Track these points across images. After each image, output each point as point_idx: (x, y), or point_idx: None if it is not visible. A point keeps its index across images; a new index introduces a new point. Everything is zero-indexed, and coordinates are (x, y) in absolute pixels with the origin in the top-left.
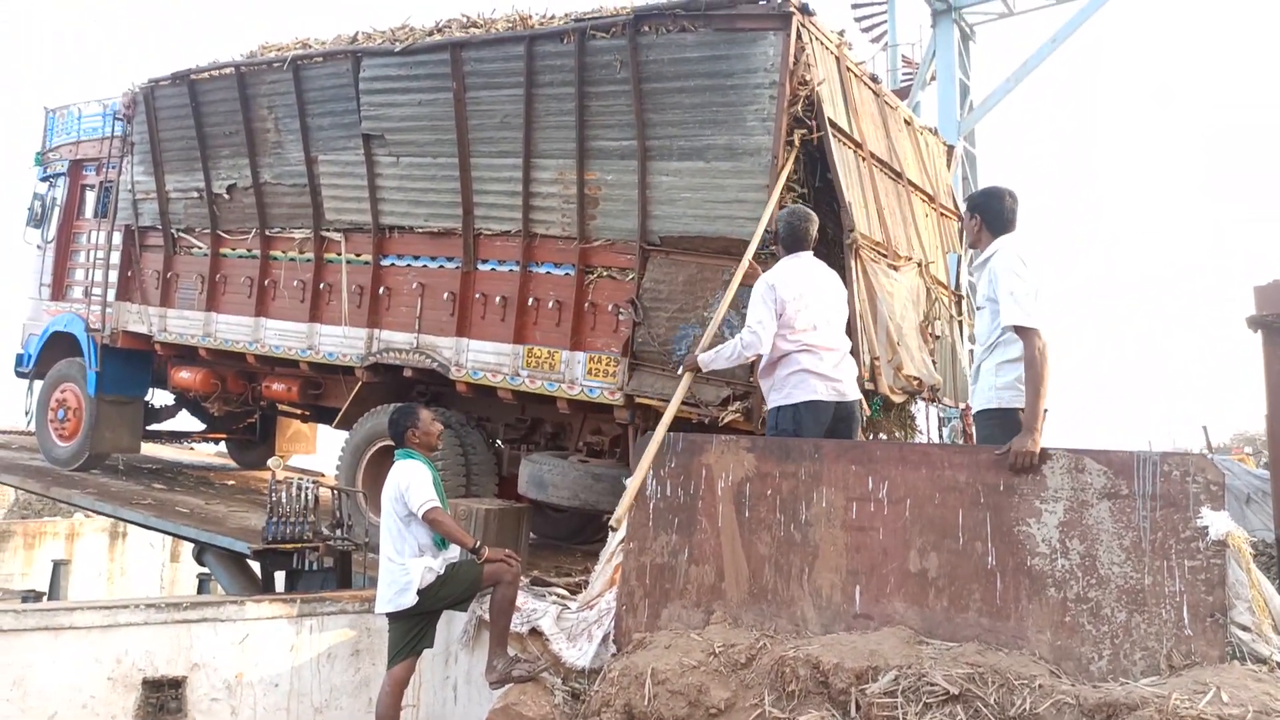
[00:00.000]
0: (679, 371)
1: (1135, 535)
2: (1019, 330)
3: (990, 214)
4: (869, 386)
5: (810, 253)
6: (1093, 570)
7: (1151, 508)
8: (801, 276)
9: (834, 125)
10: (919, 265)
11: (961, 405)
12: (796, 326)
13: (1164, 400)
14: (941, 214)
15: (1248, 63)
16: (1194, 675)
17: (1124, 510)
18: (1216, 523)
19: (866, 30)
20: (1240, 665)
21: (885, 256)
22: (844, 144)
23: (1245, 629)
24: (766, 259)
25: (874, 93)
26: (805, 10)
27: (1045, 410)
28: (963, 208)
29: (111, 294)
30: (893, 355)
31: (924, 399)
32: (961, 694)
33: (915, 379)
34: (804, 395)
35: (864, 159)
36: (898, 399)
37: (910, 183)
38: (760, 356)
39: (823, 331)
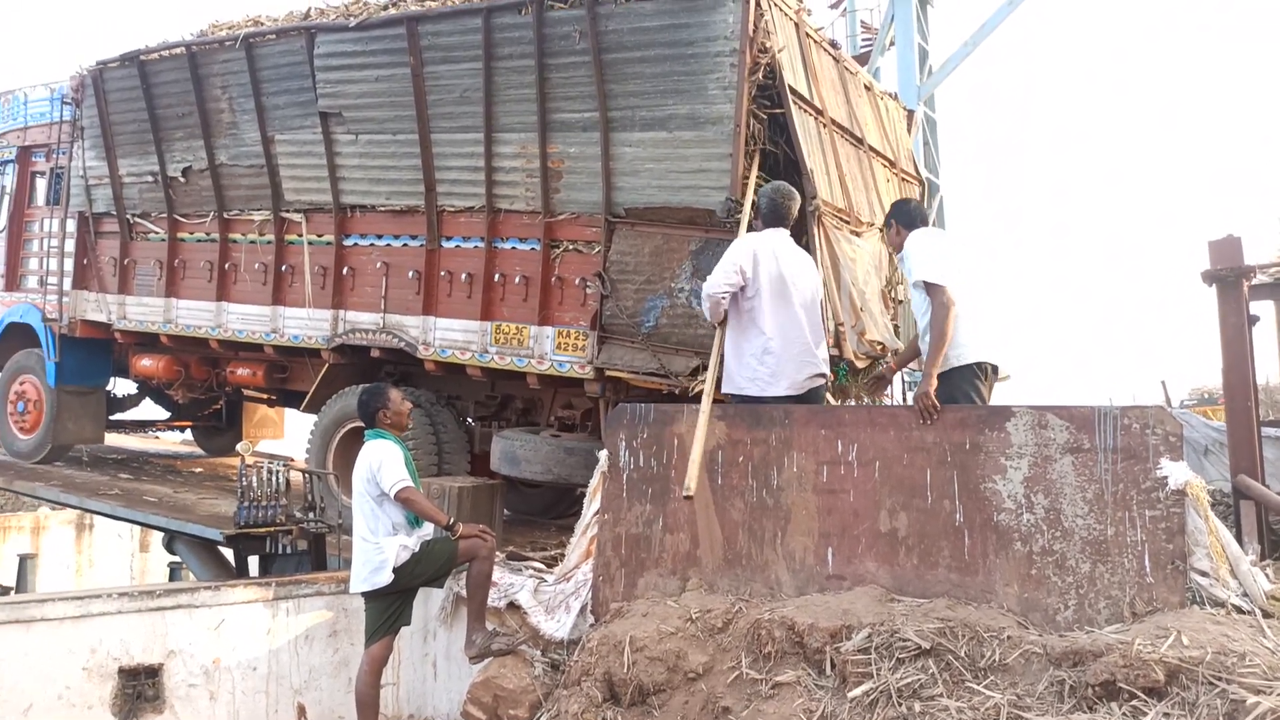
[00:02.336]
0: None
1: (1098, 488)
2: (928, 286)
3: (902, 217)
4: (834, 352)
5: (788, 231)
6: (1057, 523)
7: (1113, 460)
8: (780, 252)
9: (794, 92)
10: (881, 231)
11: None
12: (778, 293)
13: (1125, 357)
14: (903, 179)
15: (1200, 19)
16: (1156, 621)
17: (1086, 464)
18: (1175, 473)
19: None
20: (1200, 609)
21: (848, 223)
22: (805, 111)
23: (1204, 574)
24: (732, 227)
25: (833, 59)
26: None
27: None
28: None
29: (68, 282)
30: (856, 321)
31: (888, 363)
32: (933, 648)
33: (879, 344)
34: (766, 390)
35: (825, 125)
36: (862, 364)
37: (871, 148)
38: (722, 312)
39: (801, 310)
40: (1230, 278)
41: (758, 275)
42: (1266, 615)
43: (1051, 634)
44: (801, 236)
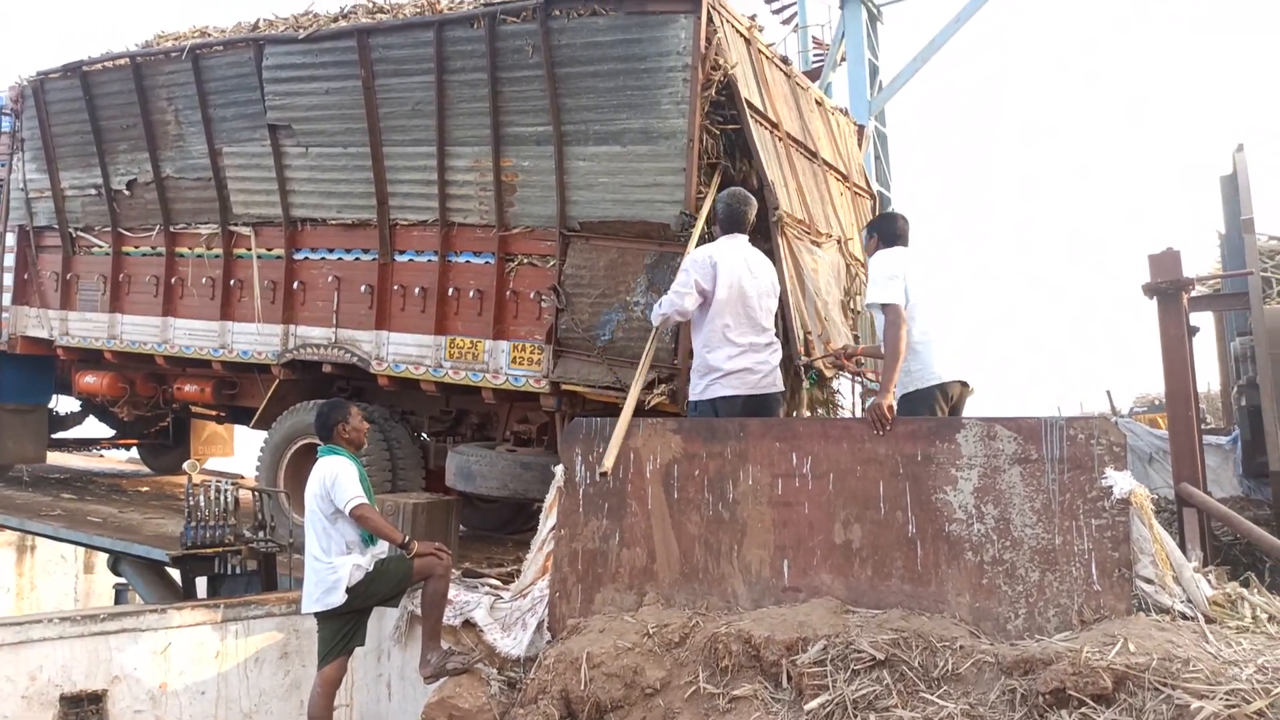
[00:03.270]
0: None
1: (1045, 497)
2: (883, 307)
3: (885, 233)
4: (803, 360)
5: (746, 237)
6: (1007, 533)
7: (1060, 470)
8: (739, 257)
9: (750, 106)
10: (838, 242)
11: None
12: (727, 307)
13: (1072, 368)
14: (855, 193)
15: (1150, 34)
16: (1103, 628)
17: (1034, 474)
18: (1120, 482)
19: (777, 12)
20: (1145, 616)
21: (808, 234)
22: (761, 125)
23: (1149, 581)
24: (686, 242)
25: (785, 74)
26: None
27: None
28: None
29: (7, 298)
30: (821, 330)
31: (850, 373)
32: (887, 659)
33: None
34: (719, 391)
35: (780, 139)
36: (830, 373)
37: (825, 162)
38: (680, 323)
39: (749, 318)
40: (1170, 290)
41: (717, 285)
42: (1209, 621)
43: (1003, 643)
44: (763, 246)
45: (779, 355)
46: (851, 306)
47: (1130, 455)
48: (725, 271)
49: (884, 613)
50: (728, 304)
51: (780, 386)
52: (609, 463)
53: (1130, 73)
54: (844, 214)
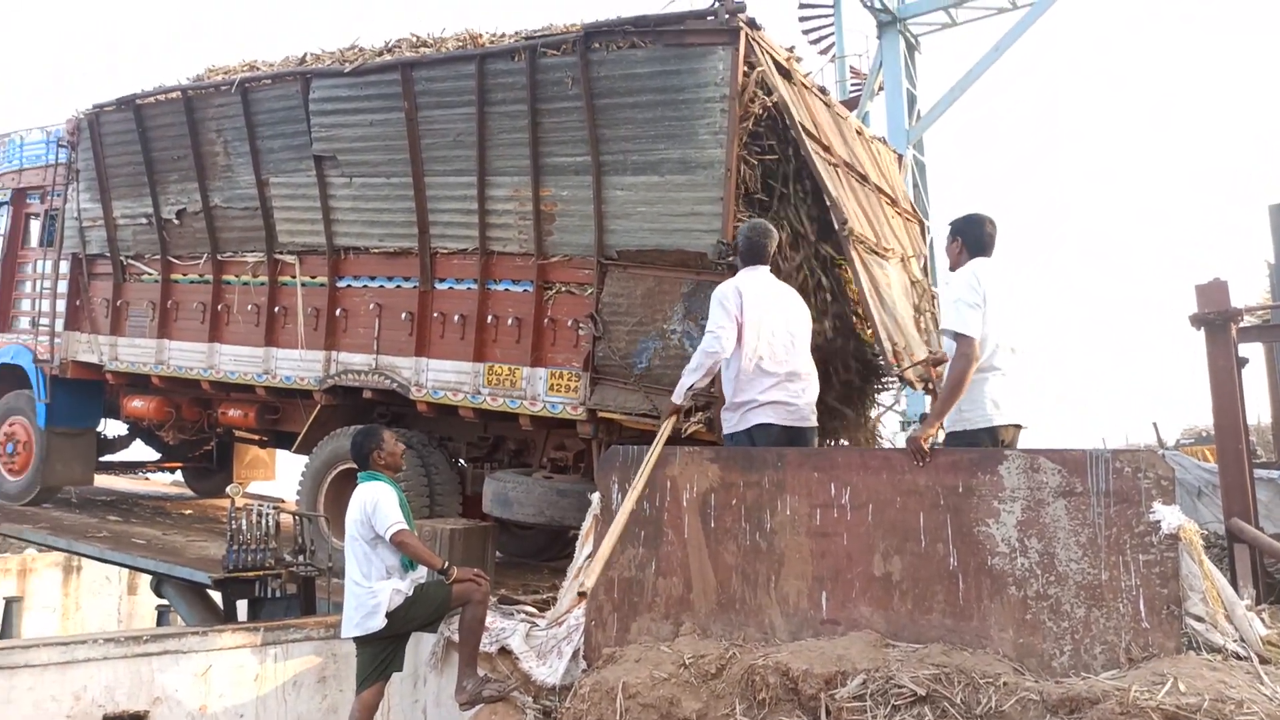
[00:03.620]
0: (659, 420)
1: (1091, 531)
2: (956, 336)
3: (971, 239)
4: (897, 373)
5: (768, 268)
6: (1051, 568)
7: (1106, 504)
8: (763, 289)
9: (803, 128)
10: (901, 259)
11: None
12: (758, 339)
13: (1118, 398)
14: (905, 218)
15: (1187, 61)
16: (1152, 667)
17: (1079, 507)
18: (1169, 517)
19: (815, 43)
20: (1196, 655)
21: (875, 251)
22: (815, 149)
23: (1200, 619)
24: (724, 270)
25: (825, 104)
26: (753, 25)
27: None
28: (945, 229)
29: (60, 324)
30: (905, 342)
31: (931, 389)
32: (929, 695)
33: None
34: (755, 419)
35: (833, 164)
36: (919, 387)
37: (875, 186)
38: (720, 363)
39: (782, 348)
40: (1218, 321)
41: (745, 317)
42: (1263, 661)
43: (1048, 680)
44: (785, 274)
45: (815, 390)
46: (922, 325)
47: (1178, 489)
48: (752, 303)
49: (925, 647)
50: (758, 336)
51: (815, 421)
52: (590, 583)
53: (1174, 99)
54: (900, 235)
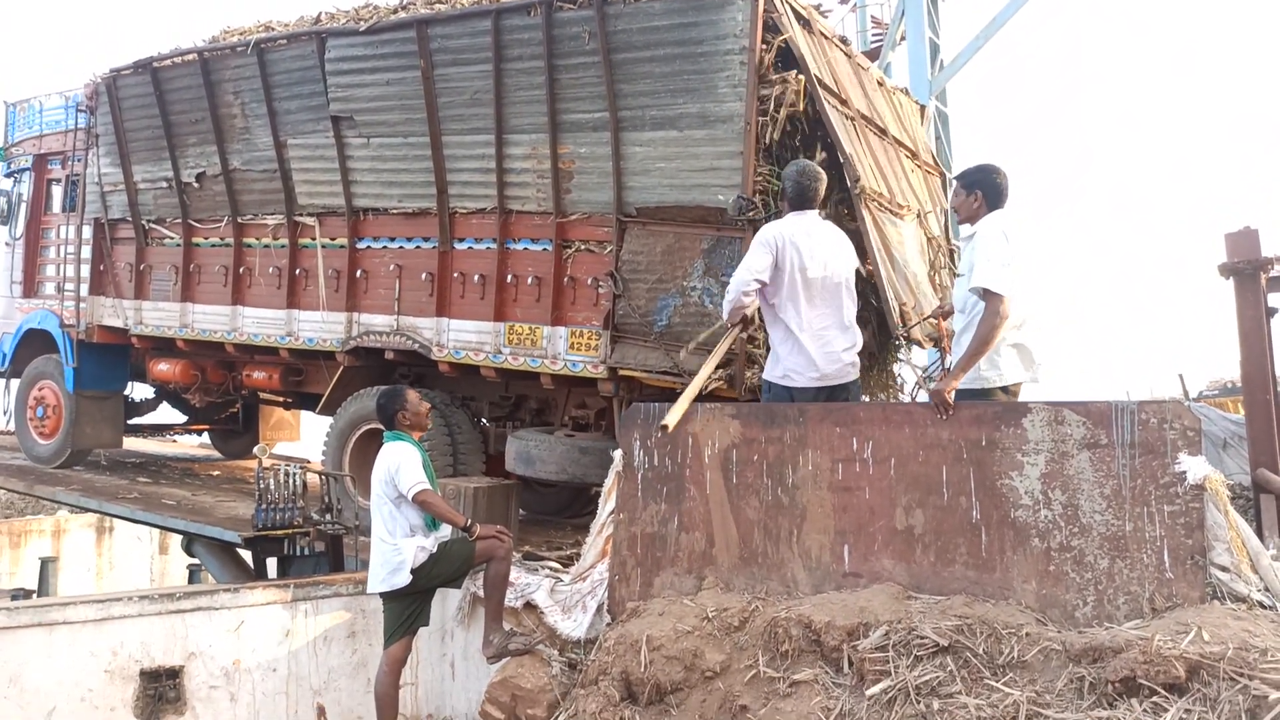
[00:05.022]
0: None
1: (1115, 483)
2: (986, 293)
3: (989, 189)
4: (902, 333)
5: (817, 212)
6: (1075, 519)
7: (1130, 455)
8: (811, 234)
9: (821, 83)
10: (918, 216)
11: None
12: (802, 287)
13: (1142, 350)
14: (926, 171)
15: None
16: (1176, 616)
17: (1104, 459)
18: (1194, 467)
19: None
20: (1220, 605)
21: (888, 209)
22: (831, 102)
23: (1224, 569)
24: (745, 225)
25: (846, 55)
26: None
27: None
28: (955, 184)
29: (84, 289)
30: (915, 301)
31: (943, 348)
32: (951, 645)
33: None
34: (797, 381)
35: (851, 117)
36: (927, 345)
37: (895, 139)
38: (750, 305)
39: (831, 297)
40: (1248, 270)
41: (781, 268)
42: None
43: (1070, 630)
44: (848, 224)
45: (860, 342)
46: (938, 281)
47: (1204, 441)
48: (796, 250)
49: (947, 599)
50: (802, 284)
51: (856, 374)
52: (673, 419)
53: (1204, 44)
54: (919, 190)
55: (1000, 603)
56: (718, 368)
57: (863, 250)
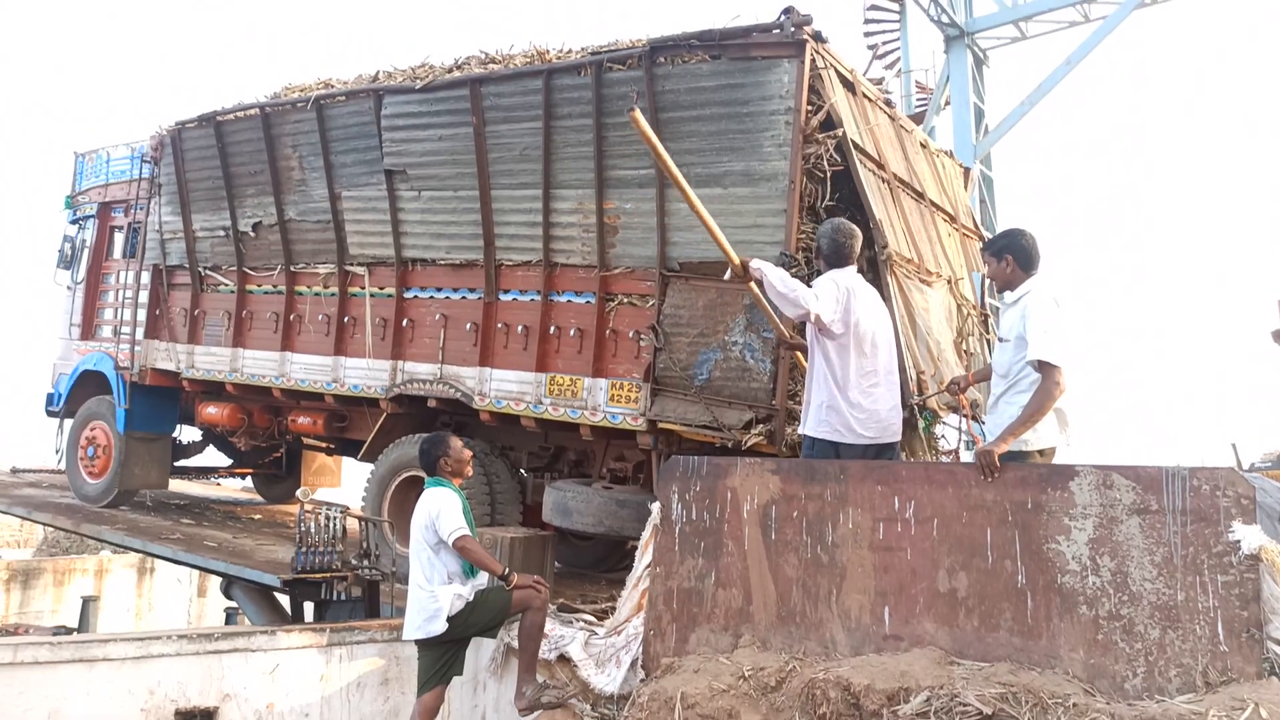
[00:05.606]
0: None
1: (1166, 551)
2: (1043, 365)
3: (1020, 252)
4: (916, 401)
5: (854, 268)
6: (1124, 587)
7: (1182, 523)
8: (858, 290)
9: (856, 146)
10: (949, 282)
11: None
12: (852, 340)
13: (1192, 420)
14: (964, 234)
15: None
16: (1231, 692)
17: (1154, 526)
18: (1249, 536)
19: (880, 58)
20: (1278, 681)
21: (917, 273)
22: (866, 165)
23: None
24: None
25: (890, 117)
26: (818, 38)
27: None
28: (985, 254)
29: (140, 332)
30: (935, 370)
31: (964, 415)
32: (995, 714)
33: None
34: (846, 437)
35: (886, 181)
36: (944, 415)
37: (932, 203)
38: (807, 322)
39: (879, 353)
40: None
41: (845, 319)
42: None
43: (1119, 702)
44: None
45: (899, 400)
46: (965, 348)
47: (1259, 512)
48: (855, 302)
49: (991, 665)
50: (855, 338)
51: (899, 434)
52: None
53: (1258, 105)
54: (953, 255)
55: (1046, 671)
56: (753, 423)
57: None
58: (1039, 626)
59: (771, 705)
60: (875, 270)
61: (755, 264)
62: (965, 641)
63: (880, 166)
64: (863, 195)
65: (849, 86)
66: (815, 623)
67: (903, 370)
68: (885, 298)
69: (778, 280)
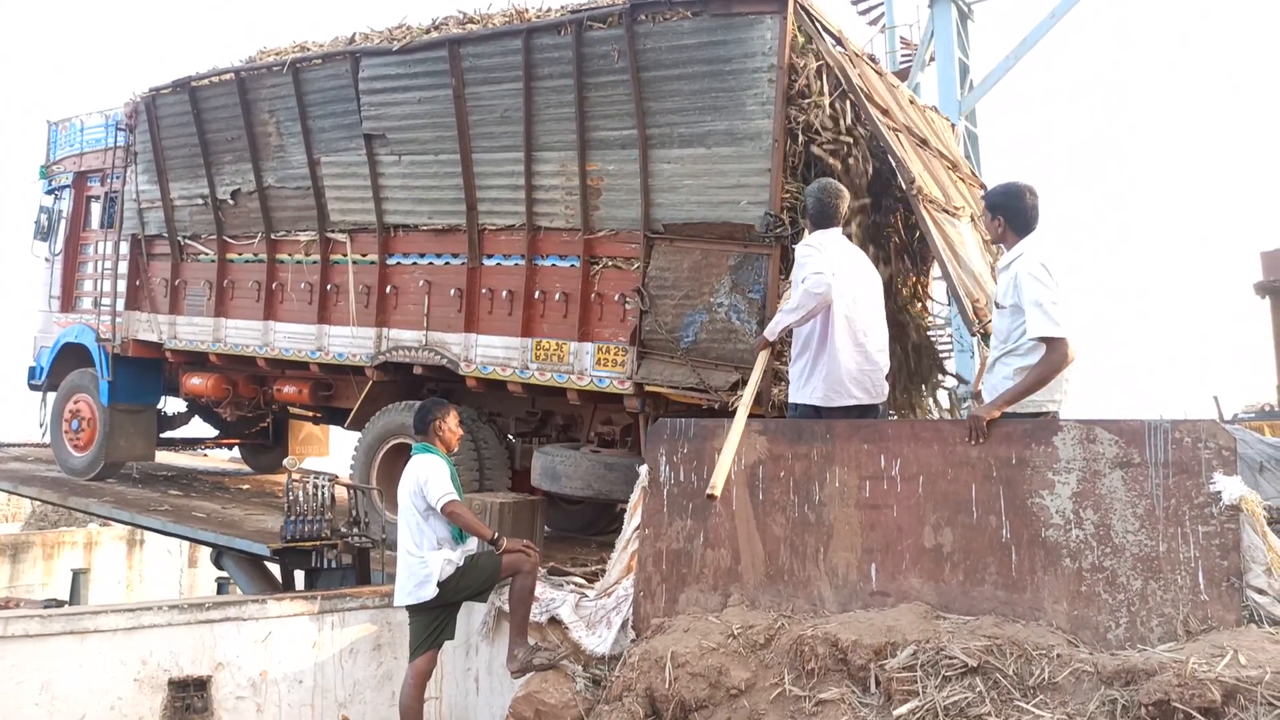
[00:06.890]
0: (756, 350)
1: (1149, 503)
2: (1047, 340)
3: (1013, 214)
4: (978, 329)
5: (839, 230)
6: (1107, 539)
7: (1164, 475)
8: (840, 251)
9: (861, 92)
10: (971, 218)
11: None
12: (839, 302)
13: (1176, 374)
14: (967, 182)
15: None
16: (1211, 639)
17: (1137, 478)
18: (1230, 487)
19: (864, 13)
20: (1257, 628)
21: (945, 209)
22: (875, 111)
23: (1261, 592)
24: (772, 242)
25: (877, 73)
26: None
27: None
28: (984, 202)
29: (120, 303)
30: (986, 299)
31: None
32: (980, 666)
33: None
34: (835, 399)
35: (894, 128)
36: None
37: (937, 150)
38: (823, 307)
39: (861, 314)
40: None
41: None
42: None
43: (1102, 652)
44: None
45: (888, 362)
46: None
47: (1240, 464)
48: (834, 263)
49: (976, 619)
50: (840, 299)
51: (885, 396)
52: (719, 482)
53: (1244, 60)
54: (967, 196)
55: (1031, 623)
56: (739, 385)
57: (925, 251)
58: (1023, 580)
59: (761, 662)
60: (896, 213)
61: (766, 332)
62: (951, 596)
63: (886, 114)
64: (880, 134)
65: (837, 42)
66: (803, 581)
67: (958, 300)
68: (923, 231)
69: (783, 317)
